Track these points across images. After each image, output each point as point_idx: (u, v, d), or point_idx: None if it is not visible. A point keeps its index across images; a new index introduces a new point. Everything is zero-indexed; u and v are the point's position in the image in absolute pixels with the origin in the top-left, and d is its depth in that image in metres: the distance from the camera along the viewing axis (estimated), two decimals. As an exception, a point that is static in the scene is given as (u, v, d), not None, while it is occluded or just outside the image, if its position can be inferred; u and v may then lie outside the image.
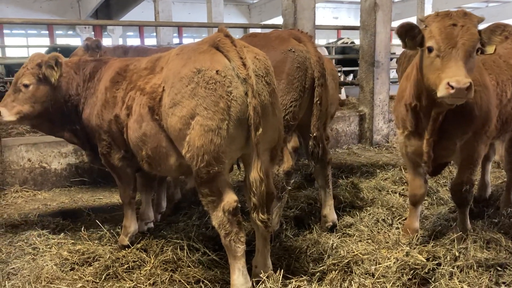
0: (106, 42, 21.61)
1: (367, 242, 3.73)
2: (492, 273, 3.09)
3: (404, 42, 3.02)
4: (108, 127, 3.46)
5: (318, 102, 3.90)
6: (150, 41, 21.38)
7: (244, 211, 3.42)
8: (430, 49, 2.85)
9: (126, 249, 3.62)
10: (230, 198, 2.81)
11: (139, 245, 3.65)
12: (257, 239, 3.09)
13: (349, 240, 3.78)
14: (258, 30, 7.15)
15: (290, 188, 4.09)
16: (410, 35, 2.99)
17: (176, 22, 10.55)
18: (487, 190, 4.82)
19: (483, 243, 3.45)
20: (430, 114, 3.12)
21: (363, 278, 3.11)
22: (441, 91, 2.67)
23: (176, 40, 19.00)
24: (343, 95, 12.17)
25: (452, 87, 2.60)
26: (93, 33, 21.79)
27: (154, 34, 16.55)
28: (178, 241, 3.63)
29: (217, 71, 2.72)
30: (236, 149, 2.84)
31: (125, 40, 24.64)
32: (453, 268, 3.16)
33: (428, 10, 14.77)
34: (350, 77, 13.72)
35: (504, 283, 3.01)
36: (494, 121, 3.43)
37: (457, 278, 3.07)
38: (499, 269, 3.14)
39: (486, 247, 3.41)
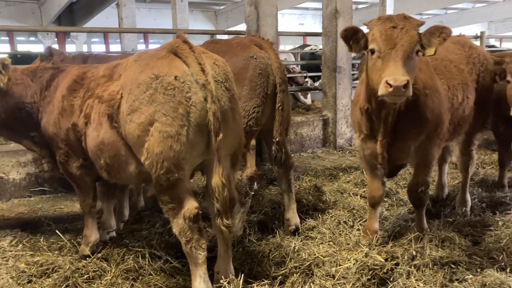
0: (70, 48, 21.19)
1: (328, 244, 3.79)
2: (446, 270, 3.20)
3: (349, 45, 3.12)
4: (66, 136, 3.40)
5: (280, 107, 3.97)
6: (116, 47, 21.03)
7: (206, 217, 3.43)
8: (372, 51, 2.95)
9: (87, 259, 3.55)
10: (190, 205, 2.81)
11: (99, 255, 3.59)
12: (219, 245, 3.10)
13: (311, 242, 3.83)
14: (225, 37, 7.16)
15: (253, 193, 4.11)
16: (355, 38, 3.09)
17: (139, 29, 10.46)
18: (444, 190, 4.99)
19: (438, 242, 3.56)
20: (380, 115, 3.22)
21: (323, 280, 3.17)
22: (381, 90, 2.77)
23: (142, 46, 18.81)
24: (308, 100, 12.36)
25: (390, 85, 2.70)
26: (56, 39, 21.28)
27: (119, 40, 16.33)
28: (140, 249, 3.59)
29: (175, 77, 2.72)
30: (197, 155, 2.85)
31: (89, 47, 24.17)
32: (410, 267, 3.26)
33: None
34: (317, 83, 13.92)
35: (457, 279, 3.12)
36: (446, 124, 3.57)
37: (414, 277, 3.16)
38: (453, 266, 3.25)
39: (441, 246, 3.53)
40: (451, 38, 4.35)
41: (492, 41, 19.22)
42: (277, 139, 3.95)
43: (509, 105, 4.25)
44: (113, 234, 4.06)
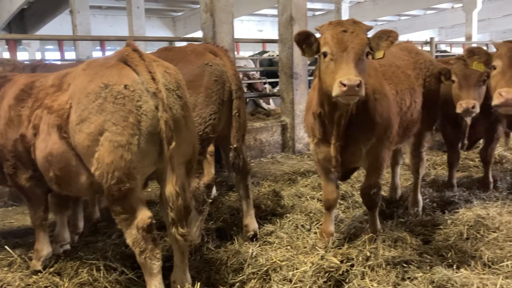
0: (22, 56, 20.44)
1: (286, 248, 3.83)
2: (398, 269, 3.30)
3: (302, 49, 3.20)
4: (13, 147, 3.28)
5: (237, 114, 3.99)
6: (71, 55, 20.50)
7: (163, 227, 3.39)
8: (325, 54, 3.03)
9: (38, 274, 3.43)
10: (143, 215, 2.78)
11: (52, 269, 3.47)
12: (175, 254, 3.07)
13: (269, 247, 3.86)
14: (185, 43, 7.10)
15: (211, 200, 4.10)
16: (308, 42, 3.17)
17: (93, 36, 10.20)
18: (397, 191, 5.14)
19: (391, 242, 3.67)
20: (333, 119, 3.29)
21: (281, 284, 3.20)
22: (335, 90, 2.84)
23: (98, 54, 18.42)
24: (272, 106, 12.48)
25: (344, 85, 2.78)
26: (6, 47, 20.49)
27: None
28: (94, 261, 3.50)
29: (125, 86, 2.69)
30: (149, 164, 2.82)
31: (43, 54, 23.44)
32: (365, 268, 3.34)
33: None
34: (276, 89, 14.08)
35: (409, 278, 3.22)
36: (395, 127, 3.69)
37: (368, 278, 3.24)
38: (405, 265, 3.36)
39: (394, 246, 3.63)
40: (399, 45, 4.56)
41: (443, 46, 20.02)
42: (235, 145, 3.97)
43: (456, 105, 4.45)
44: (67, 247, 3.94)
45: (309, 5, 21.85)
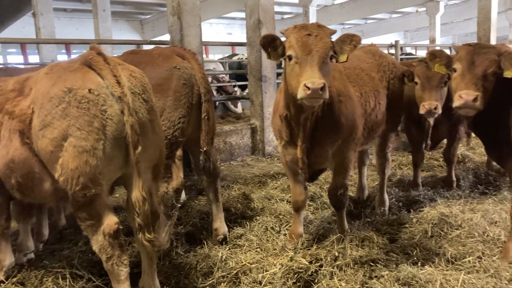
0: (-17, 59, 19.75)
1: (256, 251, 3.84)
2: (366, 268, 3.37)
3: (268, 52, 3.23)
4: (-28, 154, 3.17)
5: (206, 117, 3.98)
6: (34, 59, 19.95)
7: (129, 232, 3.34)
8: (290, 58, 3.07)
9: (1, 284, 3.32)
10: (110, 221, 2.74)
11: (15, 279, 3.36)
12: (143, 259, 3.04)
13: (239, 250, 3.86)
14: (152, 46, 7.01)
15: (180, 205, 4.07)
16: (273, 46, 3.20)
17: (56, 39, 9.93)
18: (364, 192, 5.24)
19: (358, 242, 3.73)
20: (299, 121, 3.33)
21: (251, 287, 3.22)
22: (300, 93, 2.88)
23: (64, 57, 18.00)
24: (239, 109, 12.49)
25: (309, 88, 2.82)
26: (-34, 49, 19.78)
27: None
28: (60, 270, 3.42)
29: (89, 90, 2.65)
30: (115, 169, 2.78)
31: (5, 58, 22.70)
32: (333, 268, 3.39)
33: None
34: (246, 92, 14.09)
35: (376, 276, 3.29)
36: (360, 128, 3.77)
37: (337, 277, 3.29)
38: (372, 264, 3.43)
39: (361, 245, 3.70)
40: (363, 48, 4.65)
41: (408, 49, 20.54)
42: (205, 149, 3.96)
43: (419, 106, 4.58)
44: (31, 255, 3.82)
45: (277, 9, 22.12)
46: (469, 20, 23.20)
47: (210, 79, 12.04)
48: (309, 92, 2.82)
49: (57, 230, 4.43)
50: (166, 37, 6.76)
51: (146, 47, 6.95)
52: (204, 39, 6.85)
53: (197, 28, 6.58)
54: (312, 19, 15.70)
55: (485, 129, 3.67)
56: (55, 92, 2.67)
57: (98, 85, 2.68)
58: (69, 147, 2.60)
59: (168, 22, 6.64)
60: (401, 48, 17.55)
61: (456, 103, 3.25)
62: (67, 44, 15.14)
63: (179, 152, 4.78)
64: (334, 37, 3.20)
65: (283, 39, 3.25)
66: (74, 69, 2.76)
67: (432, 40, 18.29)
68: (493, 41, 11.93)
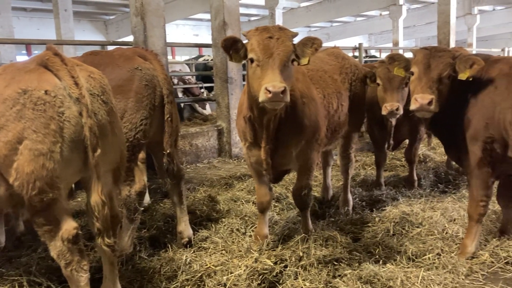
0: None
1: (221, 253, 3.82)
2: (330, 268, 3.40)
3: (230, 55, 3.22)
4: None
5: (169, 119, 3.93)
6: (-7, 59, 19.21)
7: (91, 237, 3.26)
8: (252, 60, 3.08)
9: (-48, 295, 3.18)
10: (69, 226, 2.65)
11: (-32, 289, 3.24)
12: (104, 264, 2.97)
13: (204, 253, 3.83)
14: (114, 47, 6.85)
15: (143, 208, 4.00)
16: (235, 48, 3.20)
17: (13, 39, 9.61)
18: (329, 192, 5.31)
19: (322, 241, 3.77)
20: (263, 123, 3.34)
21: (215, 289, 3.19)
22: (261, 96, 2.89)
23: (24, 58, 17.43)
24: (208, 111, 12.42)
25: (270, 91, 2.82)
26: None
27: (-4, 51, 14.96)
28: (17, 277, 3.30)
29: (46, 91, 2.56)
30: (73, 172, 2.70)
31: (-39, 58, 21.79)
32: (298, 268, 3.41)
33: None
34: (213, 94, 14.03)
35: (339, 275, 3.33)
36: (323, 130, 3.81)
37: (301, 277, 3.32)
38: (336, 263, 3.47)
39: (325, 245, 3.74)
40: (326, 50, 4.71)
41: (373, 52, 20.98)
42: (168, 151, 3.91)
43: (381, 107, 4.68)
44: (-13, 264, 3.68)
45: (244, 10, 22.16)
46: (430, 24, 23.85)
47: (176, 80, 11.95)
48: (270, 95, 2.82)
49: (15, 236, 4.27)
50: (131, 38, 6.63)
51: (110, 48, 6.81)
52: (170, 40, 6.77)
53: (161, 29, 6.50)
54: (278, 21, 15.80)
55: (443, 130, 3.79)
56: (8, 93, 2.57)
57: (55, 86, 2.59)
58: (25, 151, 2.51)
59: (131, 23, 6.53)
60: (366, 51, 17.95)
61: (412, 106, 3.36)
62: (26, 44, 14.66)
63: (142, 155, 4.69)
64: (296, 40, 3.23)
65: (247, 41, 3.25)
66: (30, 70, 2.66)
67: (395, 43, 18.73)
68: (452, 44, 12.32)
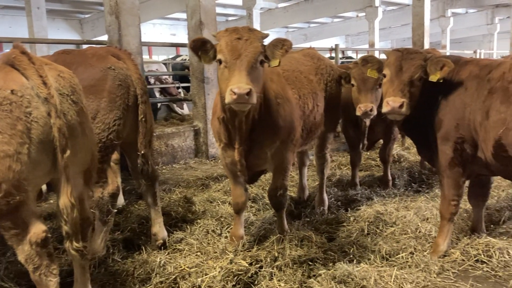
0: None
1: (196, 255, 3.79)
2: (305, 268, 3.41)
3: (199, 56, 3.20)
4: None
5: (143, 119, 3.88)
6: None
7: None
8: (220, 62, 3.06)
9: None
10: (37, 229, 2.58)
11: None
12: (75, 268, 2.91)
13: (178, 255, 3.79)
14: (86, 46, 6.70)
15: (116, 210, 3.94)
16: (204, 49, 3.17)
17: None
18: (305, 192, 5.33)
19: (298, 242, 3.77)
20: (235, 124, 3.33)
21: (189, 291, 3.16)
22: (227, 98, 2.87)
23: (-5, 56, 16.94)
24: (186, 111, 12.32)
25: (235, 93, 2.81)
26: None
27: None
28: (-17, 283, 3.21)
29: (12, 91, 2.48)
30: (42, 174, 2.63)
31: None
32: (273, 269, 3.41)
33: (257, 28, 15.83)
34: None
35: (314, 275, 3.34)
36: (299, 130, 3.82)
37: (276, 278, 3.32)
38: (311, 263, 3.48)
39: (301, 245, 3.74)
40: (302, 51, 4.73)
41: (349, 53, 21.18)
42: (142, 152, 3.86)
43: (355, 108, 4.71)
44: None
45: (222, 10, 22.10)
46: (406, 26, 24.24)
47: (153, 80, 11.82)
48: (235, 97, 2.80)
49: (-18, 240, 4.14)
50: (107, 37, 6.52)
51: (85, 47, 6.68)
52: (146, 39, 6.69)
53: (136, 28, 6.41)
54: (256, 21, 15.79)
55: (415, 131, 3.84)
56: (-27, 93, 2.49)
57: (22, 85, 2.52)
58: (-10, 152, 2.43)
59: (106, 22, 6.42)
60: (343, 52, 18.10)
61: (384, 109, 3.40)
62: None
63: (115, 156, 4.64)
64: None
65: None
66: (-5, 69, 2.59)
67: (372, 44, 18.96)
68: (426, 46, 12.55)
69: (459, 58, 3.69)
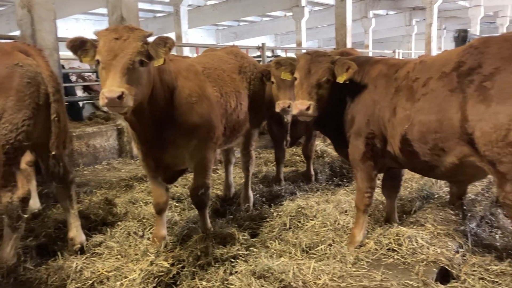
0: None
1: (116, 258, 3.67)
2: (227, 265, 3.44)
3: (79, 56, 3.08)
4: None
5: (56, 118, 3.69)
6: None
7: None
8: (98, 62, 2.94)
9: None
10: None
11: None
12: (-22, 279, 2.71)
13: (97, 259, 3.66)
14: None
15: (27, 216, 3.71)
16: (83, 49, 3.06)
17: None
18: (230, 189, 5.35)
19: (221, 239, 3.79)
20: (133, 124, 3.27)
21: (107, 296, 3.06)
22: (100, 101, 2.76)
23: None
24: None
25: (106, 97, 2.71)
26: None
27: None
28: None
29: None
30: None
31: None
32: (195, 268, 3.41)
33: (185, 26, 15.66)
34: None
35: (236, 272, 3.36)
36: (220, 128, 3.83)
37: (198, 277, 3.32)
38: (233, 260, 3.51)
39: (223, 243, 3.77)
40: (225, 49, 4.74)
41: (279, 52, 21.52)
42: (53, 153, 3.67)
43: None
44: None
45: (150, 7, 21.60)
46: (331, 26, 25.03)
47: (75, 77, 11.27)
48: (106, 101, 2.70)
49: None
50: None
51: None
52: (70, 35, 6.32)
53: (51, 23, 6.06)
54: (184, 18, 15.59)
55: (329, 128, 4.00)
56: None
57: None
58: None
59: (17, 16, 6.01)
60: (272, 51, 18.36)
61: (293, 111, 3.53)
62: None
63: (29, 158, 4.37)
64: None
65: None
66: None
67: (299, 44, 19.40)
68: (349, 45, 13.03)
69: (369, 58, 3.88)
